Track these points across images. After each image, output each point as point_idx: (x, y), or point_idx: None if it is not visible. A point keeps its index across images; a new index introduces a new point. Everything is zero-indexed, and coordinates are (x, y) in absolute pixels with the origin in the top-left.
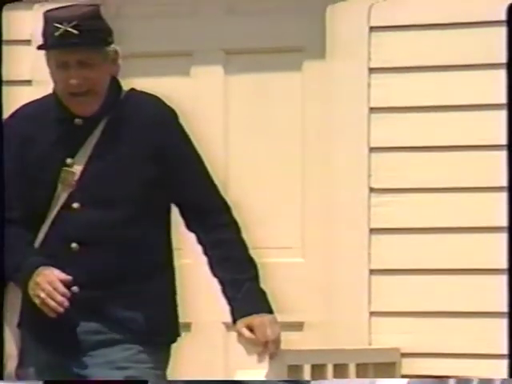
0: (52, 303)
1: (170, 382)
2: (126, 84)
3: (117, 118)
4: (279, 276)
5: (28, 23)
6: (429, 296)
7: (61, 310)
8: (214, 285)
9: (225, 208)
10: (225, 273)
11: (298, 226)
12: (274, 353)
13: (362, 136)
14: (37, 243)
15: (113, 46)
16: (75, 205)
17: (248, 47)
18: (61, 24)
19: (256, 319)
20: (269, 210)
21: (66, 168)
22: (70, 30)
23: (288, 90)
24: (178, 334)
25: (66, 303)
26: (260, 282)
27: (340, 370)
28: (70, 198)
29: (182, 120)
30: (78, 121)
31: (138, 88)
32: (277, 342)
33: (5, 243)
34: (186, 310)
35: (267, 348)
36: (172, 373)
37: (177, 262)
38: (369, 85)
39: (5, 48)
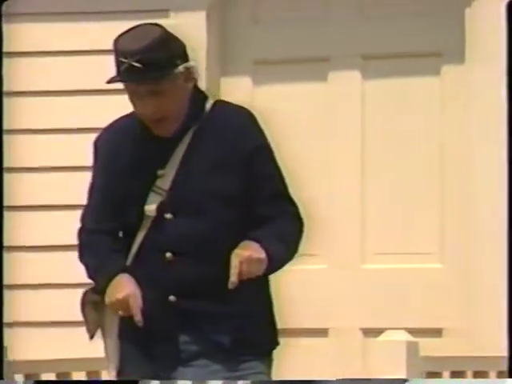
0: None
1: None
2: (262, 90)
3: (203, 129)
4: (418, 282)
5: (46, 35)
6: None
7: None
8: (352, 291)
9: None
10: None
11: (436, 232)
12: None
13: (502, 142)
14: (131, 254)
15: (184, 65)
16: (168, 215)
17: (385, 52)
18: (125, 58)
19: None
20: (407, 216)
21: (158, 179)
22: (133, 64)
23: (426, 95)
24: (276, 343)
25: (141, 322)
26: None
27: (480, 378)
28: (162, 209)
29: (268, 133)
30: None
31: (276, 93)
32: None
33: (89, 249)
34: (323, 316)
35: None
36: (309, 377)
37: (312, 268)
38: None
39: (26, 60)
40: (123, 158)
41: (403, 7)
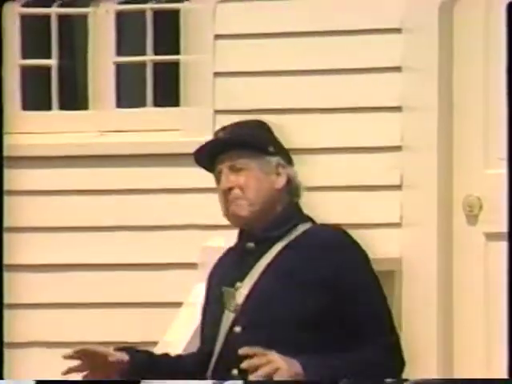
0: None
1: None
2: None
3: (291, 247)
4: None
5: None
6: None
7: None
8: None
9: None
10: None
11: None
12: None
13: None
14: (209, 371)
15: (276, 158)
16: (237, 329)
17: None
18: (216, 135)
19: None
20: None
21: (232, 292)
22: (221, 135)
23: None
24: None
25: None
26: None
27: None
28: (234, 322)
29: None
30: (249, 245)
31: None
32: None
33: None
34: None
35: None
36: None
37: None
38: None
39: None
40: (215, 277)
41: None
